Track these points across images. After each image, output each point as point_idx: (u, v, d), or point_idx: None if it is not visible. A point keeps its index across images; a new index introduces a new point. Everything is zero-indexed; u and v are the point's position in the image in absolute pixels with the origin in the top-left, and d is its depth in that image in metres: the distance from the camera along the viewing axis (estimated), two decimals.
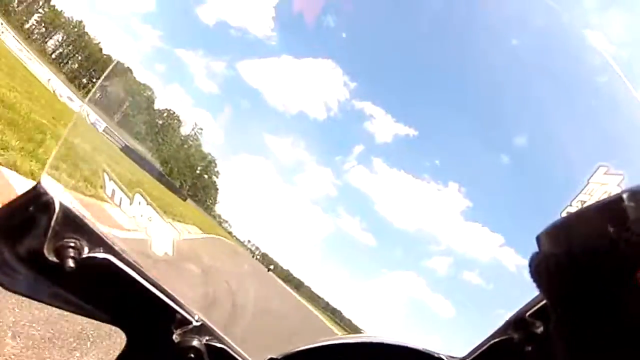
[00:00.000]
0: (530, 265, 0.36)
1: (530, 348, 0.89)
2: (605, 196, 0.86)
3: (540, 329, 0.86)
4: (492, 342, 0.96)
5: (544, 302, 0.80)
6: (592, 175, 0.86)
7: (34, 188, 0.58)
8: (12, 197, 0.58)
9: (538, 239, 0.36)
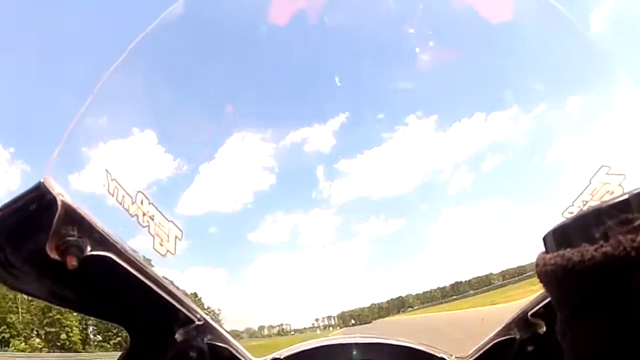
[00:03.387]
0: (537, 266, 0.36)
1: (532, 348, 0.88)
2: (607, 196, 0.86)
3: (542, 329, 0.85)
4: (495, 341, 0.95)
5: (546, 301, 0.80)
6: (594, 175, 0.87)
7: (37, 187, 0.58)
8: None
9: (545, 239, 0.36)
